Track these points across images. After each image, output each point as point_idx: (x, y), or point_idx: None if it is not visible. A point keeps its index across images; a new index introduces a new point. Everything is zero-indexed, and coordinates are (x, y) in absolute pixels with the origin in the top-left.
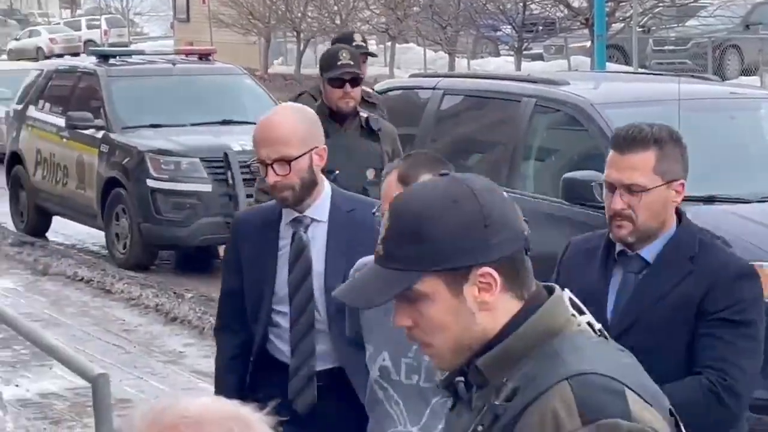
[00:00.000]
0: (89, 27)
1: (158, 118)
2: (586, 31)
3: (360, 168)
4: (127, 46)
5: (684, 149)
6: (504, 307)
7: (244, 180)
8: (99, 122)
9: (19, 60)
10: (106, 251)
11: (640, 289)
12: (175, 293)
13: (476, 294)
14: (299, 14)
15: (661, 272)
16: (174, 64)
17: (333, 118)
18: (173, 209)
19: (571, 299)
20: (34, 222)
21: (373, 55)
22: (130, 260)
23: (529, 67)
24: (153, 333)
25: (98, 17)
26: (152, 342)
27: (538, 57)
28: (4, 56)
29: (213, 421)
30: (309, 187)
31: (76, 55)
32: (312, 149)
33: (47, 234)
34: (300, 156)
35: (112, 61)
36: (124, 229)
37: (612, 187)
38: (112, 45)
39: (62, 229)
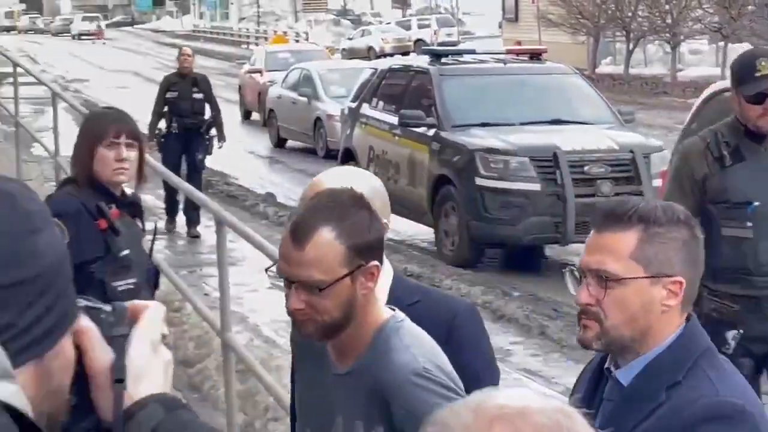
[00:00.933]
0: (419, 26)
1: (488, 116)
2: None
3: None
4: (455, 46)
5: (694, 239)
6: None
7: (573, 180)
8: (430, 120)
9: (351, 59)
10: (435, 248)
11: (606, 426)
12: (502, 291)
13: None
14: (629, 13)
15: (629, 405)
16: (505, 63)
17: (750, 136)
18: (501, 208)
19: None
20: None
21: None
22: (459, 257)
23: None
24: None
25: (428, 17)
26: None
27: None
28: (338, 55)
29: (538, 411)
30: None
31: (406, 54)
32: None
33: None
34: None
35: (444, 60)
36: (452, 226)
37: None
38: (441, 44)
39: (392, 225)
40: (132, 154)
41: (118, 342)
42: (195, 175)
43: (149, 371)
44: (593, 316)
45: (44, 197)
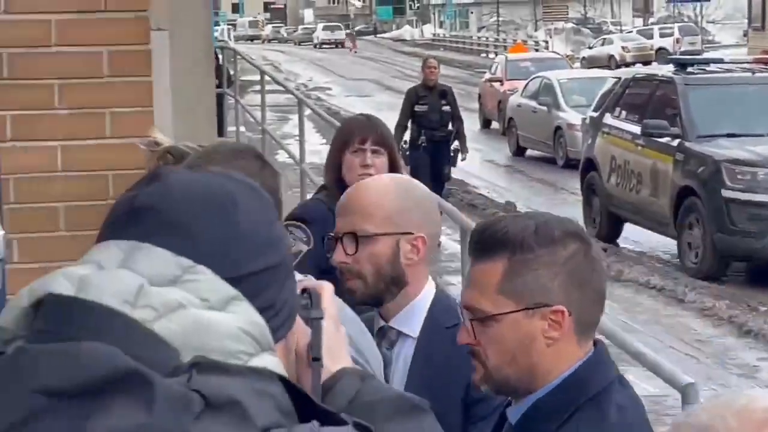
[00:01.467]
0: (661, 35)
1: (734, 127)
2: None
3: None
4: (699, 55)
5: (578, 257)
6: None
7: None
8: (674, 130)
9: (591, 68)
10: (678, 260)
11: None
12: (749, 306)
13: None
14: None
15: None
16: (753, 73)
17: None
18: (748, 220)
19: None
20: (606, 228)
21: None
22: (702, 270)
23: None
24: (726, 345)
25: (671, 25)
26: (726, 354)
27: None
28: (578, 64)
29: None
30: (389, 284)
31: (648, 63)
32: (401, 234)
33: (618, 240)
34: (378, 235)
35: (689, 69)
36: (696, 238)
37: None
38: (683, 53)
39: (633, 236)
40: (378, 161)
41: (316, 324)
42: (439, 185)
43: (339, 347)
44: (477, 358)
45: (291, 205)
